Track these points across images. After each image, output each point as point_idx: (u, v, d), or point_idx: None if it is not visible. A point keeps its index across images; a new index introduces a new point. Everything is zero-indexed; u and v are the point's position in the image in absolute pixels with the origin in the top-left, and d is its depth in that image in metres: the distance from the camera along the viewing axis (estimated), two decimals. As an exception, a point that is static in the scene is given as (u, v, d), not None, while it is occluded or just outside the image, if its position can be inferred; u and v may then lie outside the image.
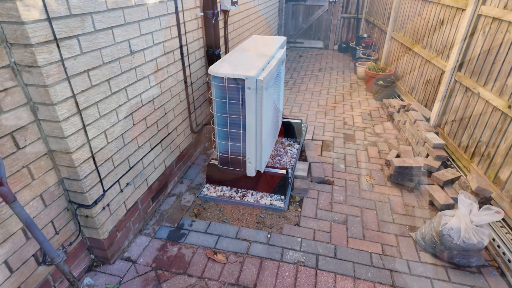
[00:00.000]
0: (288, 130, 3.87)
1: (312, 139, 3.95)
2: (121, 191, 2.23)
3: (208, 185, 3.05)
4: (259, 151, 2.65)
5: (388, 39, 5.85)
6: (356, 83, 5.97)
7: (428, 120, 3.89)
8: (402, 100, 4.94)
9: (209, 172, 3.00)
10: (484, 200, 2.58)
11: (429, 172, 3.16)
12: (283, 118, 3.91)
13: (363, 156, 3.58)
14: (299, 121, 3.81)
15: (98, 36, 1.82)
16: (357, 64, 6.16)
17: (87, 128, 1.83)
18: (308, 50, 8.59)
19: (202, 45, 3.28)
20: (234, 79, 2.35)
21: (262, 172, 2.76)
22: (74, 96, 1.70)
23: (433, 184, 3.01)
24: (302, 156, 3.59)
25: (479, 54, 3.08)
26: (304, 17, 8.38)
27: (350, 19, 8.22)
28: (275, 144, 3.77)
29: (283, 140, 3.88)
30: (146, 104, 2.40)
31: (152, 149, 2.57)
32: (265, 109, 2.50)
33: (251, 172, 2.76)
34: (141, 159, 2.43)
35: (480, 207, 2.29)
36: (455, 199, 2.69)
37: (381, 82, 5.14)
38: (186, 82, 3.00)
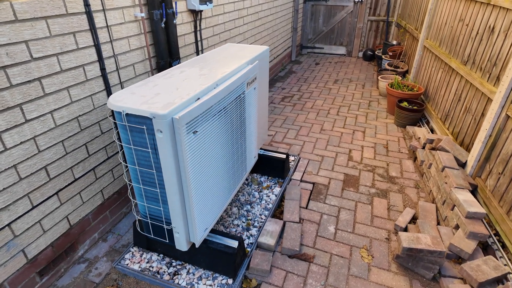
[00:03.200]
0: (270, 167, 2.96)
1: (301, 180, 3.00)
2: (-45, 280, 1.47)
3: (135, 248, 2.23)
4: (190, 218, 1.79)
5: (419, 49, 4.71)
6: (377, 101, 4.89)
7: (463, 165, 2.80)
8: (431, 129, 3.82)
9: (136, 232, 2.17)
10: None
11: (458, 257, 2.11)
12: (264, 150, 3.00)
13: (365, 214, 2.58)
14: (284, 157, 2.89)
15: None
16: (379, 77, 5.07)
17: None
18: (327, 56, 7.54)
19: (147, 56, 2.46)
20: (138, 116, 1.50)
21: (197, 246, 1.89)
22: None
23: (461, 280, 1.97)
24: (280, 208, 2.66)
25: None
26: (325, 19, 7.35)
27: (379, 22, 7.06)
28: (249, 185, 2.87)
29: (262, 179, 2.97)
30: (16, 146, 1.62)
31: (35, 206, 1.79)
32: (197, 160, 1.63)
33: (181, 245, 1.90)
34: (8, 224, 1.66)
35: None
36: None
37: (405, 103, 4.05)
38: (115, 107, 2.20)
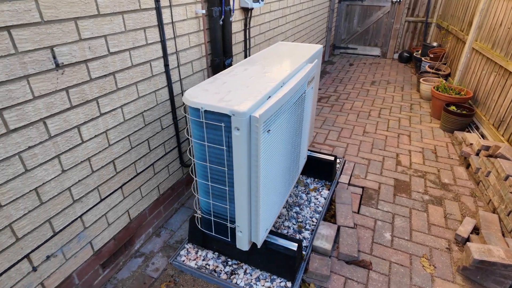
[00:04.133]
0: (316, 168, 2.90)
1: (349, 184, 2.92)
2: (34, 269, 1.49)
3: (189, 245, 2.22)
4: (255, 217, 1.76)
5: (467, 51, 4.51)
6: (419, 104, 4.72)
7: (527, 174, 2.63)
8: (481, 135, 3.64)
9: (192, 229, 2.17)
10: None
11: (532, 272, 1.98)
12: (310, 151, 2.94)
13: (421, 222, 2.47)
14: (332, 159, 2.82)
15: None
16: (421, 80, 4.89)
17: None
18: (361, 57, 7.38)
19: (204, 53, 2.46)
20: (216, 113, 1.48)
21: (259, 246, 1.86)
22: None
23: (539, 297, 1.84)
24: (330, 211, 2.60)
25: None
26: (360, 19, 7.19)
27: (417, 23, 6.83)
28: (296, 187, 2.83)
29: (308, 180, 2.91)
30: (91, 139, 1.64)
31: (103, 199, 1.81)
32: (267, 159, 1.60)
33: (242, 245, 1.87)
34: (80, 216, 1.68)
35: None
36: None
37: (453, 107, 3.88)
38: (174, 103, 2.21)
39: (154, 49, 1.94)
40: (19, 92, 1.27)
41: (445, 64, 5.46)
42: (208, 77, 2.60)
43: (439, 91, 4.13)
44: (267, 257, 1.97)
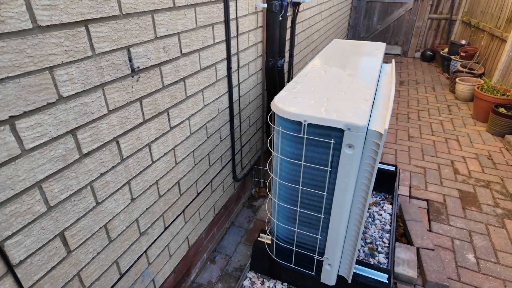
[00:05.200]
0: (376, 179, 2.63)
1: (410, 196, 2.66)
2: (99, 322, 1.21)
3: (252, 274, 1.94)
4: (349, 249, 1.48)
5: (509, 49, 4.26)
6: (456, 106, 4.47)
7: None
8: (538, 139, 3.39)
9: (256, 255, 1.89)
10: None
11: None
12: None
13: (503, 240, 2.22)
14: (393, 169, 2.55)
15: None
16: (457, 80, 4.64)
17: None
18: (381, 57, 7.12)
19: (260, 53, 2.18)
20: (323, 127, 1.20)
21: (349, 282, 1.59)
22: None
23: None
24: (398, 230, 2.33)
25: None
26: (380, 17, 6.93)
27: (440, 20, 6.59)
28: (354, 201, 2.55)
29: (365, 193, 2.64)
30: (160, 158, 1.36)
31: (167, 228, 1.53)
32: (372, 181, 1.33)
33: (329, 279, 1.60)
34: (145, 251, 1.40)
35: None
36: None
37: (502, 109, 3.63)
38: (233, 110, 1.93)
39: (219, 50, 1.66)
40: (94, 106, 0.99)
41: (477, 62, 5.22)
42: (261, 80, 2.32)
43: (485, 92, 3.88)
44: (351, 290, 1.70)
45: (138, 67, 1.13)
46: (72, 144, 0.94)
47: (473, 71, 4.95)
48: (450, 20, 6.44)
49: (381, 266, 1.97)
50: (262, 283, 1.89)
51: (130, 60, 1.09)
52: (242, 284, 1.88)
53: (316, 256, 1.55)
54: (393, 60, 2.02)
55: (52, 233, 0.94)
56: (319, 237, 1.48)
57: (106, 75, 1.00)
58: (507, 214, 2.46)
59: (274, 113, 1.36)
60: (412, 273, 1.89)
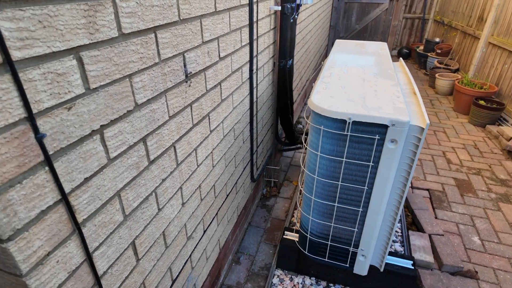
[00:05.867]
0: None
1: (412, 187, 2.81)
2: (156, 330, 1.20)
3: (279, 271, 1.98)
4: (383, 239, 1.56)
5: (482, 46, 4.59)
6: (437, 100, 4.75)
7: None
8: (516, 127, 3.69)
9: (283, 253, 1.93)
10: None
11: None
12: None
13: (501, 222, 2.40)
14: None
15: (126, 49, 0.79)
16: (437, 75, 4.93)
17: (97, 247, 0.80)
18: (360, 55, 7.38)
19: (272, 54, 2.22)
20: (368, 123, 1.27)
21: (381, 270, 1.67)
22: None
23: None
24: (407, 219, 2.46)
25: None
26: (358, 17, 7.19)
27: (414, 19, 6.95)
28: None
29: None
30: (202, 162, 1.36)
31: (205, 231, 1.53)
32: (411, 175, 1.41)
33: (361, 269, 1.67)
34: (190, 256, 1.40)
35: None
36: None
37: (482, 102, 3.91)
38: (252, 112, 1.96)
39: (244, 53, 1.68)
40: (159, 112, 0.98)
41: (451, 59, 5.57)
42: (272, 81, 2.36)
43: (466, 86, 4.15)
44: (381, 280, 1.78)
45: (191, 73, 1.14)
46: (143, 151, 0.93)
47: (449, 67, 5.28)
48: (423, 19, 6.80)
49: (400, 253, 2.07)
50: (291, 279, 1.93)
51: (184, 65, 1.09)
52: (272, 282, 1.91)
53: (351, 249, 1.61)
54: (401, 58, 2.14)
55: (126, 242, 0.93)
56: (355, 230, 1.54)
57: (168, 81, 1.00)
58: (500, 198, 2.67)
59: (311, 112, 1.40)
60: (429, 258, 2.01)
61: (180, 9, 1.01)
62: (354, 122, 1.27)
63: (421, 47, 6.36)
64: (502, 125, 3.83)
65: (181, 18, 1.03)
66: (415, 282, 1.74)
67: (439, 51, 5.65)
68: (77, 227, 0.73)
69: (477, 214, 2.49)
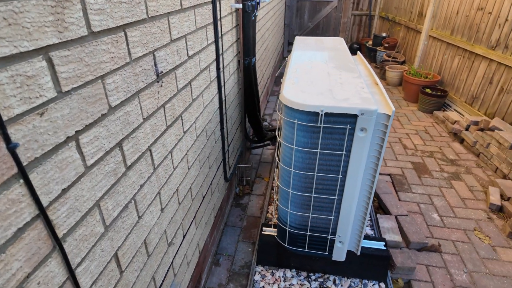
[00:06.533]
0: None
1: (375, 173, 2.97)
2: None
3: (260, 268, 1.99)
4: (359, 224, 1.64)
5: (424, 39, 4.99)
6: (389, 91, 5.08)
7: (518, 141, 3.01)
8: (459, 113, 4.07)
9: (263, 249, 1.94)
10: None
11: None
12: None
13: (455, 198, 2.64)
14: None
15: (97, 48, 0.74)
16: (387, 68, 5.27)
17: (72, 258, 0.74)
18: (314, 52, 7.64)
19: (236, 52, 2.22)
20: (340, 114, 1.32)
21: (358, 254, 1.75)
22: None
23: None
24: (374, 203, 2.60)
25: None
26: (310, 15, 7.43)
27: (362, 16, 7.35)
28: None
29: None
30: (178, 164, 1.32)
31: (185, 236, 1.49)
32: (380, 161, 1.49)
33: (339, 255, 1.74)
34: (172, 262, 1.35)
35: None
36: None
37: (428, 90, 4.26)
38: (222, 111, 1.94)
39: (211, 51, 1.66)
40: (133, 115, 0.94)
41: (398, 52, 5.98)
42: (238, 79, 2.36)
43: (413, 76, 4.49)
44: (357, 262, 1.87)
45: (161, 72, 1.10)
46: (119, 157, 0.88)
47: (396, 59, 5.66)
48: (370, 15, 7.22)
49: (371, 236, 2.18)
50: (272, 274, 1.95)
51: (155, 65, 1.05)
52: (253, 280, 1.91)
53: (329, 236, 1.67)
54: (359, 52, 2.25)
55: (109, 254, 0.87)
56: (332, 217, 1.60)
57: (140, 82, 0.96)
58: (452, 176, 2.93)
59: (283, 107, 1.43)
60: (398, 238, 2.15)
61: (148, 6, 0.97)
62: (326, 114, 1.32)
63: (370, 42, 6.75)
64: (447, 111, 4.20)
65: (149, 16, 0.98)
66: (388, 261, 1.85)
67: (386, 45, 6.04)
68: (58, 243, 0.67)
69: (434, 193, 2.71)
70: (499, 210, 2.50)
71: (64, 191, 0.68)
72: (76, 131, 0.70)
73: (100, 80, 0.77)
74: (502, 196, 2.61)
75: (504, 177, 2.85)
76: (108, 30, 0.79)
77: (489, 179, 2.87)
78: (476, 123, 3.40)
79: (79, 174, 0.72)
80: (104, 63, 0.78)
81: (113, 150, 0.85)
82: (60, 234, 0.68)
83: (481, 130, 3.31)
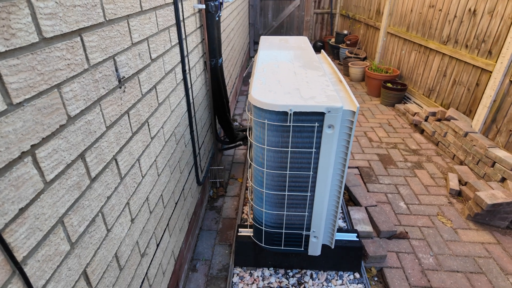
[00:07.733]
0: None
1: (344, 167, 3.06)
2: None
3: (238, 269, 1.98)
4: (331, 218, 1.68)
5: (383, 36, 5.22)
6: (353, 87, 5.26)
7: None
8: (418, 105, 4.30)
9: (240, 250, 1.94)
10: None
11: (517, 204, 2.47)
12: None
13: (419, 186, 2.79)
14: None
15: (50, 55, 0.70)
16: (349, 64, 5.45)
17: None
18: (280, 50, 7.73)
19: (201, 54, 2.19)
20: (308, 113, 1.34)
21: (332, 247, 1.79)
22: None
23: (530, 221, 2.31)
24: (344, 196, 2.68)
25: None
26: (274, 14, 7.51)
27: (324, 14, 7.55)
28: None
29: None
30: (147, 172, 1.28)
31: (158, 244, 1.44)
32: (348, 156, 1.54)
33: (315, 250, 1.77)
34: (146, 273, 1.31)
35: None
36: None
37: (389, 84, 4.46)
38: (191, 114, 1.90)
39: (175, 53, 1.62)
40: (95, 124, 0.89)
41: (359, 48, 6.21)
42: (206, 80, 2.33)
43: (375, 72, 4.68)
44: (332, 255, 1.92)
45: (124, 77, 1.05)
46: (83, 169, 0.83)
47: (358, 56, 5.88)
48: (331, 14, 7.43)
49: (344, 228, 2.25)
50: (251, 274, 1.95)
51: (116, 70, 1.00)
52: (232, 282, 1.90)
53: (304, 232, 1.70)
54: (322, 50, 2.30)
55: (77, 272, 0.82)
56: (306, 214, 1.63)
57: (101, 88, 0.91)
58: (415, 165, 3.09)
59: (252, 107, 1.43)
60: (369, 228, 2.23)
61: (105, 9, 0.92)
62: (295, 113, 1.33)
63: (333, 40, 6.94)
64: (407, 103, 4.42)
65: (107, 19, 0.94)
66: (361, 252, 1.91)
67: (348, 42, 6.24)
68: (18, 267, 0.62)
69: (399, 182, 2.85)
70: (458, 194, 2.67)
71: (22, 210, 0.63)
72: (31, 145, 0.65)
73: (56, 89, 0.72)
74: (460, 181, 2.80)
75: (461, 163, 3.06)
76: (62, 35, 0.74)
77: (448, 166, 3.07)
78: (433, 114, 3.62)
79: (38, 191, 0.67)
80: (59, 71, 0.73)
81: (75, 162, 0.80)
82: (19, 257, 0.63)
83: (439, 120, 3.52)
